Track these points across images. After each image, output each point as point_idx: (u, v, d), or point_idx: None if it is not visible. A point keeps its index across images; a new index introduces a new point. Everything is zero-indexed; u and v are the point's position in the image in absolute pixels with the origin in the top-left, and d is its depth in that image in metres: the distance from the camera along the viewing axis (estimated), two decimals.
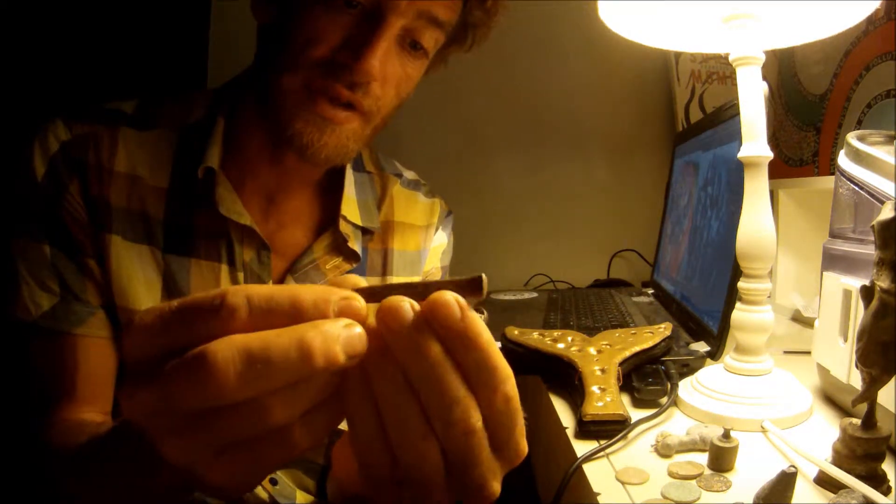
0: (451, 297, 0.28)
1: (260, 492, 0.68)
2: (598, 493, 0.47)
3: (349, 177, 0.73)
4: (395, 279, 0.75)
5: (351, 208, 0.72)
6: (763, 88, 0.60)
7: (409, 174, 0.83)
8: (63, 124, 0.63)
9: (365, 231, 0.73)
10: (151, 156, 0.65)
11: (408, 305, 0.28)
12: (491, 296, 1.23)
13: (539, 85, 1.46)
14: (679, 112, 1.43)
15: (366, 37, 0.58)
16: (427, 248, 0.80)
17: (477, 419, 0.29)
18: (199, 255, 0.65)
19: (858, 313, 0.54)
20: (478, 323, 0.28)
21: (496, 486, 0.31)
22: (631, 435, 0.56)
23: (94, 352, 0.62)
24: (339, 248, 0.71)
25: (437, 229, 0.82)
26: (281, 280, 0.68)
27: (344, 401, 0.29)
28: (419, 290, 0.29)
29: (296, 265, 0.69)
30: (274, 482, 0.70)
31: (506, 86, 1.46)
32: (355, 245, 0.71)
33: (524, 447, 0.32)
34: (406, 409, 0.29)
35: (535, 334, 0.74)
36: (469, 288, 0.29)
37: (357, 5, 0.58)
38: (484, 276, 0.29)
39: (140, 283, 0.63)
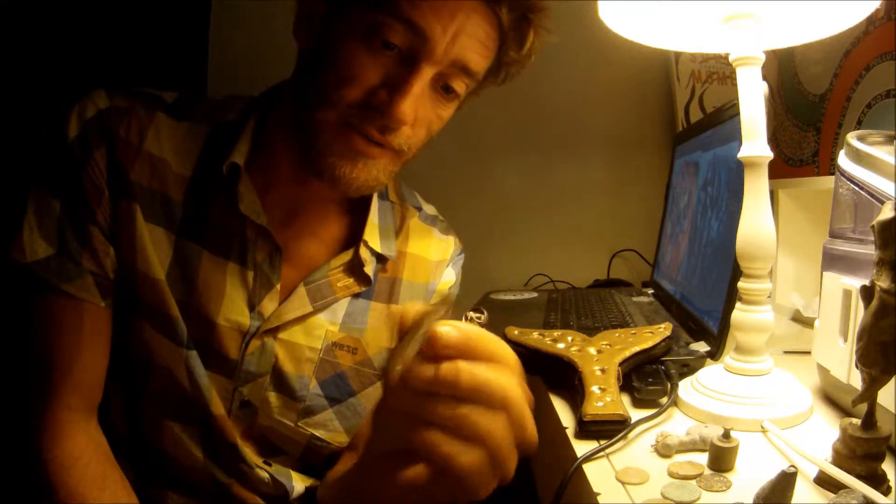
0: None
1: (260, 472, 0.70)
2: (598, 493, 0.47)
3: (374, 203, 0.75)
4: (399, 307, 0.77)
5: (373, 235, 0.74)
6: (763, 88, 0.60)
7: (429, 209, 0.85)
8: (105, 94, 0.66)
9: (380, 258, 0.75)
10: (180, 144, 0.67)
11: (467, 376, 0.35)
12: (491, 296, 1.23)
13: (539, 85, 1.45)
14: (679, 112, 1.43)
15: (400, 82, 0.59)
16: (436, 283, 0.81)
17: (506, 427, 0.36)
18: (211, 249, 0.67)
19: (858, 313, 0.54)
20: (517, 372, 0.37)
21: (513, 469, 0.38)
22: (631, 435, 0.56)
23: (87, 317, 0.65)
24: (354, 270, 0.72)
25: (447, 266, 0.83)
26: (292, 288, 0.70)
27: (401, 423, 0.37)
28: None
29: (310, 277, 0.70)
30: (269, 464, 0.72)
31: (506, 86, 1.45)
32: (370, 270, 0.73)
33: (535, 438, 0.38)
34: (454, 428, 0.36)
35: (535, 334, 0.74)
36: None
37: (394, 48, 0.59)
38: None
39: (156, 256, 0.65)
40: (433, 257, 0.81)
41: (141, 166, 0.65)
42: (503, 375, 0.36)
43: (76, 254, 0.64)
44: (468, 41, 0.61)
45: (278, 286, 0.68)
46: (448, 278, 0.83)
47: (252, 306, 0.68)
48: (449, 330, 0.35)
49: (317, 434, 0.72)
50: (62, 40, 1.09)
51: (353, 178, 0.62)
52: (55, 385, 0.64)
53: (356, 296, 0.74)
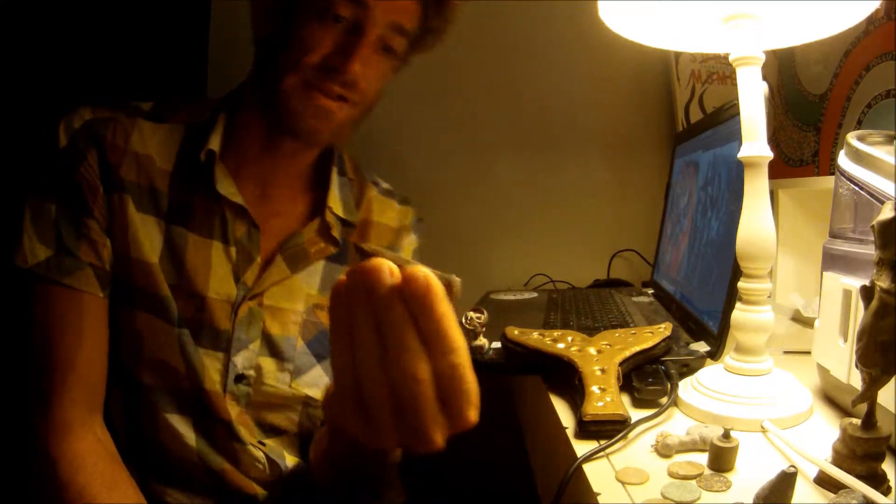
0: (421, 273, 0.34)
1: (254, 450, 0.74)
2: (598, 493, 0.47)
3: (334, 179, 0.84)
4: None
5: (335, 203, 0.83)
6: (763, 88, 0.60)
7: (385, 185, 0.94)
8: (89, 108, 0.74)
9: (345, 223, 0.83)
10: (161, 143, 0.76)
11: (387, 268, 0.35)
12: (491, 296, 1.23)
13: (539, 85, 1.46)
14: (679, 112, 1.43)
15: (350, 45, 0.71)
16: (400, 247, 0.90)
17: (423, 371, 0.35)
18: (196, 231, 0.74)
19: (858, 313, 0.54)
20: (437, 298, 0.35)
21: (439, 439, 0.36)
22: (631, 435, 0.56)
23: (88, 310, 0.69)
24: (324, 234, 0.81)
25: (409, 231, 0.92)
26: (271, 257, 0.77)
27: (330, 329, 0.37)
28: (401, 264, 0.36)
29: (286, 244, 0.78)
30: (262, 443, 0.76)
31: (506, 86, 1.46)
32: (336, 234, 0.81)
33: (470, 415, 0.36)
34: (369, 346, 0.35)
35: (535, 334, 0.74)
36: (445, 285, 0.35)
37: (342, 20, 0.71)
38: (456, 279, 0.36)
39: (148, 242, 0.72)
40: (394, 224, 0.90)
41: (129, 164, 0.73)
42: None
43: (74, 248, 0.69)
44: (399, 8, 0.74)
45: (259, 258, 0.76)
46: (411, 241, 0.91)
47: (237, 278, 0.75)
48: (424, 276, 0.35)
49: (310, 395, 0.77)
50: (62, 41, 1.09)
51: (320, 129, 0.73)
52: (59, 380, 0.66)
53: (331, 260, 0.81)
